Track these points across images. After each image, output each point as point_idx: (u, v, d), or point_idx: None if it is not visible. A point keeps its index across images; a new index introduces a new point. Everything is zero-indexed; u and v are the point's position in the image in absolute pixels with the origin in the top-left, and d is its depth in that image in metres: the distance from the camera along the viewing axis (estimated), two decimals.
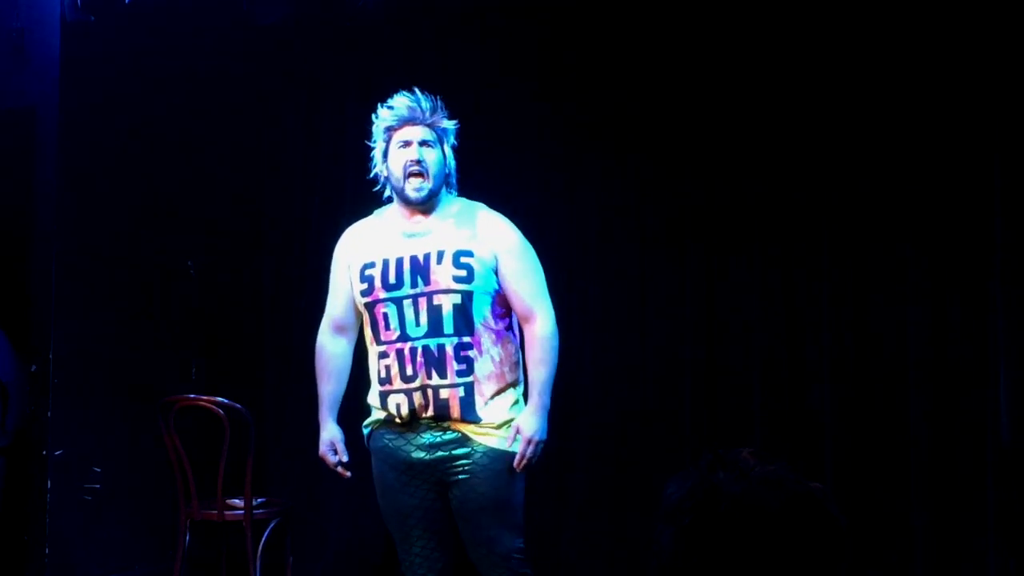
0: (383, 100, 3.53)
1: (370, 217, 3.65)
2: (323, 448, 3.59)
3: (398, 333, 3.41)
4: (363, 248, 3.54)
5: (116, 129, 4.93)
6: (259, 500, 4.74)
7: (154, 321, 5.09)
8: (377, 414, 3.52)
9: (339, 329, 3.63)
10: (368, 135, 3.60)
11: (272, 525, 4.70)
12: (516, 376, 3.51)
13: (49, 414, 4.64)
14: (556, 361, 3.46)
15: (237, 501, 4.64)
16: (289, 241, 5.40)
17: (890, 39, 4.28)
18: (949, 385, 4.18)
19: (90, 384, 4.80)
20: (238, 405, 4.53)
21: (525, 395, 3.50)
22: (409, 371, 3.40)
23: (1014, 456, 3.92)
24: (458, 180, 3.58)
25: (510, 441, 3.40)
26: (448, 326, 3.37)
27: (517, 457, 3.38)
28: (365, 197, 5.07)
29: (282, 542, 4.81)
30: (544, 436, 3.39)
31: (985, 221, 4.07)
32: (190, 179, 5.24)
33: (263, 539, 4.63)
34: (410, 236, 3.47)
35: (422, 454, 3.44)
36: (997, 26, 4.03)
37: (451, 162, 3.53)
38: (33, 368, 4.72)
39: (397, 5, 4.77)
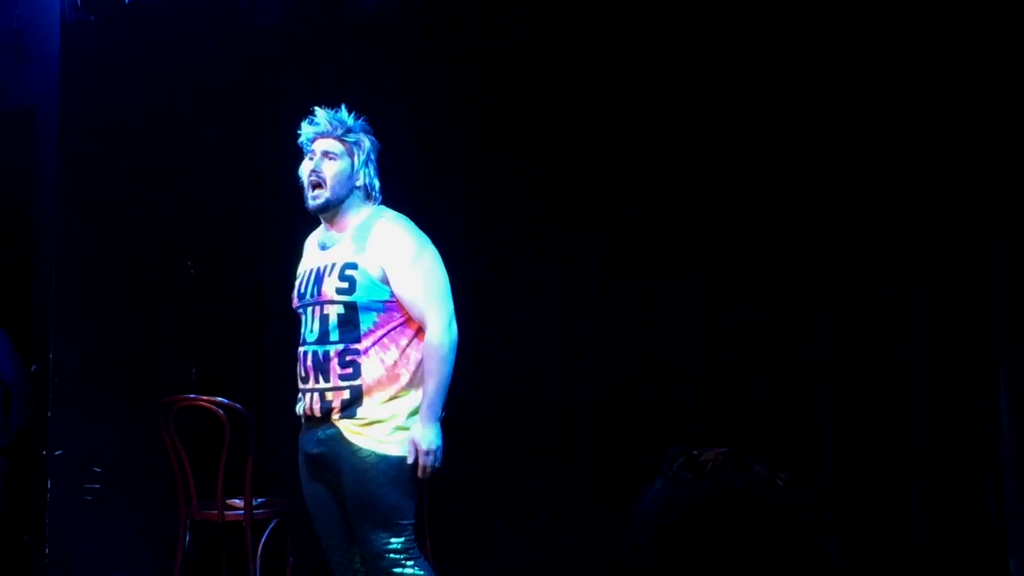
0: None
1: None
2: None
3: (302, 338, 3.59)
4: (303, 258, 3.73)
5: (116, 129, 4.93)
6: (259, 500, 4.73)
7: (154, 321, 5.09)
8: (299, 409, 3.69)
9: None
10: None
11: (272, 525, 4.70)
12: (409, 381, 3.50)
13: (49, 414, 4.65)
14: (446, 371, 3.45)
15: (237, 501, 4.64)
16: (289, 241, 5.39)
17: (890, 37, 4.28)
18: (949, 385, 4.17)
19: (90, 384, 4.80)
20: (238, 405, 4.53)
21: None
22: (303, 373, 3.58)
23: (1014, 456, 3.92)
24: (384, 189, 3.63)
25: (411, 456, 3.45)
26: (334, 334, 3.48)
27: (419, 469, 3.45)
28: None
29: (282, 542, 4.81)
30: (434, 445, 3.44)
31: (985, 221, 4.07)
32: (190, 179, 5.24)
33: (263, 539, 4.63)
34: (323, 248, 3.62)
35: (315, 449, 3.58)
36: (997, 25, 4.02)
37: (367, 175, 3.58)
38: (33, 368, 4.72)
39: (397, 5, 4.76)
